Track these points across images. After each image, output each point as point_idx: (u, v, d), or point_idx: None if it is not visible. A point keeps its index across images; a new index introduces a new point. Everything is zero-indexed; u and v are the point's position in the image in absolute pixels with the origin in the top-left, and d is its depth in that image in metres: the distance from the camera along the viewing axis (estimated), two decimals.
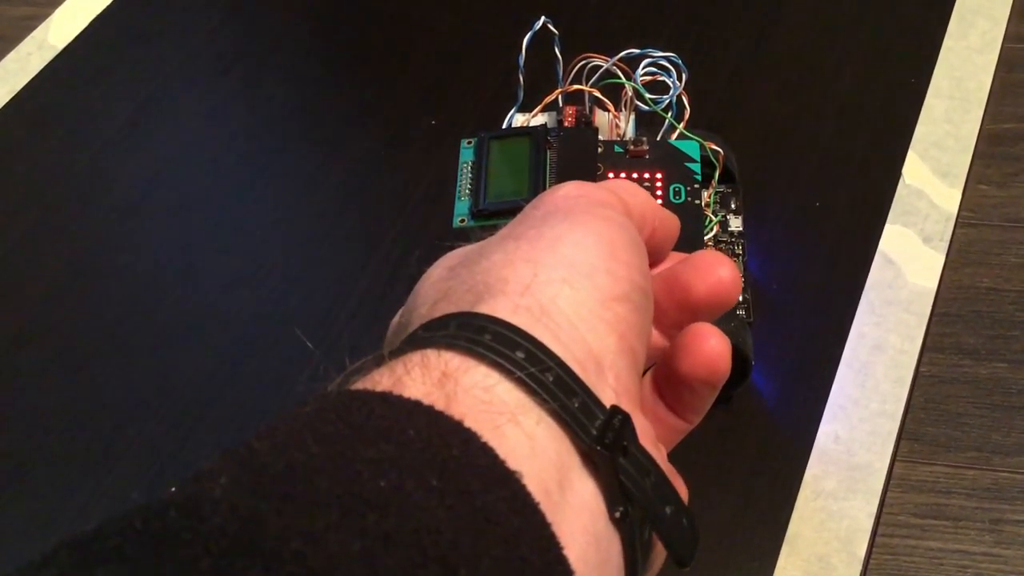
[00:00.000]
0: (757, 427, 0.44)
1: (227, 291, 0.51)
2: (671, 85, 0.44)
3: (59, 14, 0.64)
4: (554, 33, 0.43)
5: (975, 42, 0.59)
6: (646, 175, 0.43)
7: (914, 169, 0.53)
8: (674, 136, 0.45)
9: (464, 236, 0.44)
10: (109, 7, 0.64)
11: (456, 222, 0.41)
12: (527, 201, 0.40)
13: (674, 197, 0.42)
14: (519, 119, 0.46)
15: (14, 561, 0.41)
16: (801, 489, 0.43)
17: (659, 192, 0.43)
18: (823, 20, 0.61)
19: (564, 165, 0.43)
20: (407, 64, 0.60)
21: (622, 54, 0.44)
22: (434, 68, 0.60)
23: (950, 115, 0.56)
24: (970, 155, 0.54)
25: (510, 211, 0.41)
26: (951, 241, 0.51)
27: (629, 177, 0.43)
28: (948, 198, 0.52)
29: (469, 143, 0.44)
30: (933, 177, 0.53)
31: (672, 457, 0.43)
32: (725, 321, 0.43)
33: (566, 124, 0.46)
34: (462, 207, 0.42)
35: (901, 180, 0.53)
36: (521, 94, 0.44)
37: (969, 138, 0.55)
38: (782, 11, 0.62)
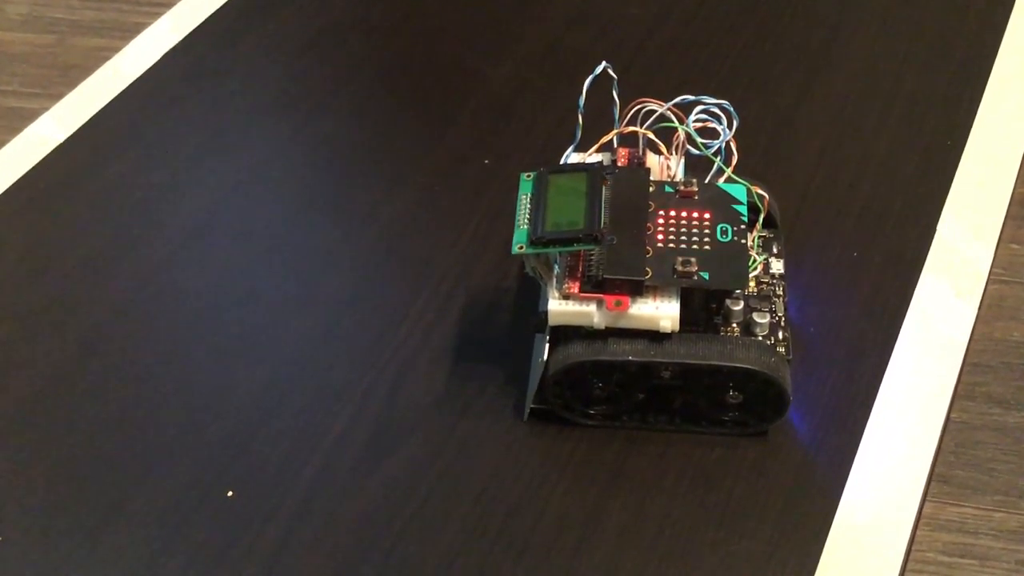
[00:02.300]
0: (793, 462, 0.46)
1: (283, 313, 0.53)
2: (721, 131, 0.46)
3: (132, 47, 0.67)
4: (613, 78, 0.46)
5: (1010, 109, 0.61)
6: (695, 214, 0.45)
7: (949, 226, 0.55)
8: (722, 180, 0.47)
9: (520, 262, 0.46)
10: (180, 43, 0.67)
11: (515, 249, 0.44)
12: (584, 232, 0.43)
13: (721, 236, 0.45)
14: (575, 157, 0.48)
15: (66, 562, 0.43)
16: (834, 523, 0.44)
17: (707, 231, 0.45)
18: (865, 82, 0.64)
19: (618, 201, 0.45)
20: (463, 107, 0.63)
21: (677, 100, 0.46)
22: (489, 112, 0.63)
23: (984, 177, 0.58)
24: (1003, 215, 0.56)
25: (566, 240, 0.43)
26: (983, 296, 0.52)
27: (679, 216, 0.45)
28: (981, 255, 0.54)
29: (528, 176, 0.46)
30: (967, 234, 0.55)
31: (710, 490, 0.44)
32: (767, 355, 0.44)
33: (619, 164, 0.48)
34: (521, 235, 0.44)
35: (936, 235, 0.55)
36: (579, 133, 0.47)
37: (1002, 199, 0.57)
38: (826, 69, 0.64)
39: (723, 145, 0.46)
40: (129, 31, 0.68)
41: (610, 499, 0.45)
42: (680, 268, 0.44)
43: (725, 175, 0.47)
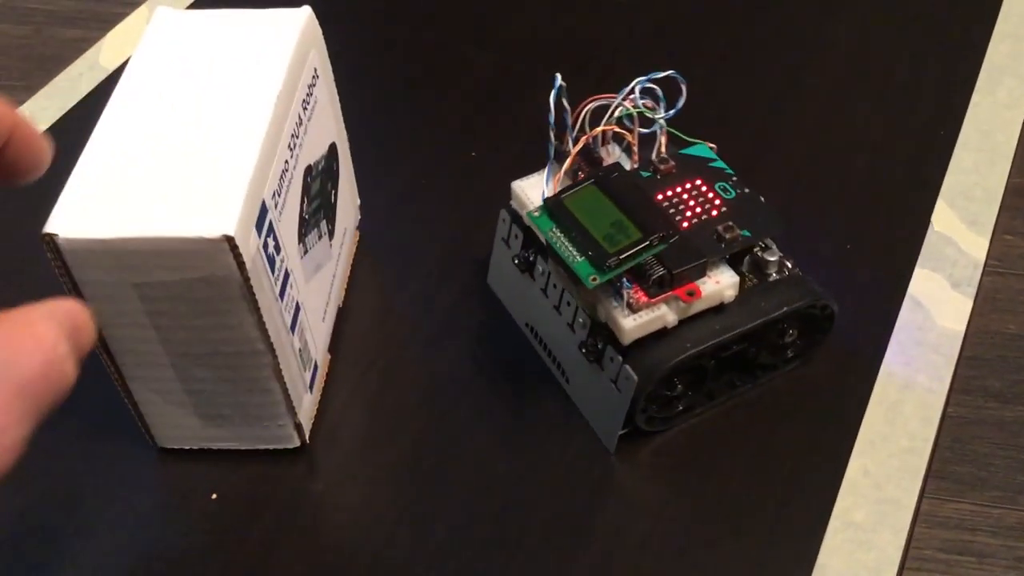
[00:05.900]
0: (788, 458, 0.45)
1: None
2: (660, 108, 0.45)
3: (110, 38, 0.66)
4: (562, 86, 0.44)
5: (1003, 98, 0.60)
6: (688, 186, 0.45)
7: (943, 217, 0.54)
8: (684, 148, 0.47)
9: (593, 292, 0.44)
10: None
11: (590, 284, 0.41)
12: (655, 236, 0.41)
13: (725, 194, 0.45)
14: (546, 177, 0.46)
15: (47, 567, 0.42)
16: (831, 520, 0.43)
17: (710, 195, 0.44)
18: (855, 71, 0.63)
19: (629, 207, 0.44)
20: (448, 98, 0.62)
21: (626, 89, 0.44)
22: (473, 103, 0.62)
23: (978, 167, 0.57)
24: (997, 206, 0.55)
25: (639, 251, 0.41)
26: (979, 287, 0.52)
27: (676, 194, 0.45)
28: (976, 246, 0.53)
29: (536, 213, 0.44)
30: (961, 225, 0.54)
31: (705, 486, 0.43)
32: (807, 284, 0.45)
33: (583, 176, 0.46)
34: (584, 267, 0.42)
35: (930, 227, 0.54)
36: (552, 151, 0.45)
37: (996, 189, 0.56)
38: (814, 60, 0.63)
39: (662, 122, 0.45)
40: (107, 21, 0.67)
41: (602, 498, 0.45)
42: (727, 235, 0.43)
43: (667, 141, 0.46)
